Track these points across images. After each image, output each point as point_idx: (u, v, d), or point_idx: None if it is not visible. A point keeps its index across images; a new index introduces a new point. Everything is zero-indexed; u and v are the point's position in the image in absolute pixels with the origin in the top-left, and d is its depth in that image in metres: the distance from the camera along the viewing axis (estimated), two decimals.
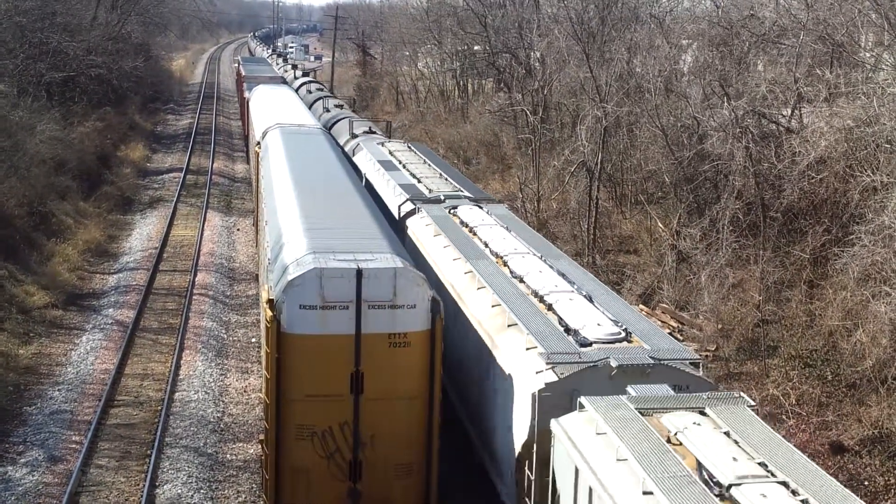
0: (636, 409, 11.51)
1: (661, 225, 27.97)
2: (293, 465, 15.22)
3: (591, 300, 15.74)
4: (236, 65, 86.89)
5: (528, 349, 14.26)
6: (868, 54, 25.27)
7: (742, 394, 12.29)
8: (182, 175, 48.50)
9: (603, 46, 33.77)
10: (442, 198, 23.08)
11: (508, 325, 15.30)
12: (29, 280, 28.72)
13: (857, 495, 9.77)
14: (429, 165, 27.93)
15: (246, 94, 52.84)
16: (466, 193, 23.85)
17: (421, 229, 21.09)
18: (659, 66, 29.25)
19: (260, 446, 16.77)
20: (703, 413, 11.52)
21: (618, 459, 10.67)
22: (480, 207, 22.20)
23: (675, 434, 11.02)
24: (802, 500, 9.60)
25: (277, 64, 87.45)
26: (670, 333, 22.69)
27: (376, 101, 74.46)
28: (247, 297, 29.91)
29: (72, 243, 33.56)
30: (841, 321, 19.66)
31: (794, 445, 17.32)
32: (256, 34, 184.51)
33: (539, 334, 14.30)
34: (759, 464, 10.28)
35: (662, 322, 23.59)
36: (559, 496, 12.26)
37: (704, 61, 28.99)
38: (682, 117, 27.76)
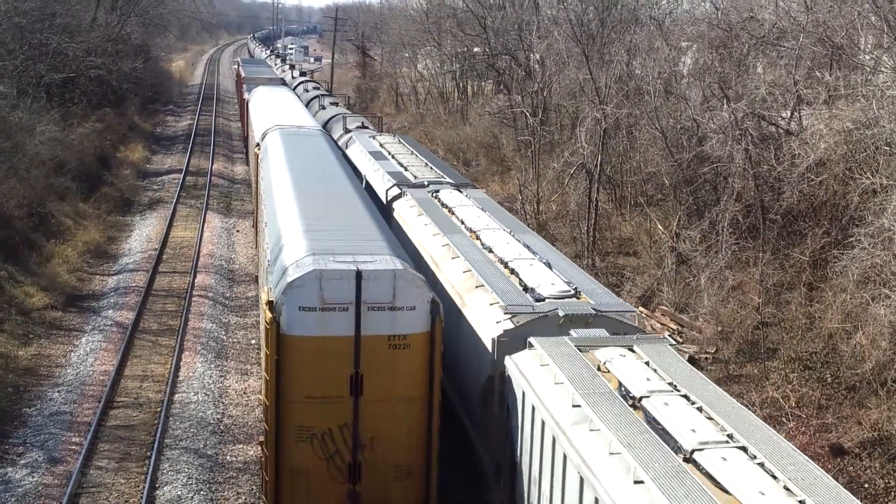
0: (575, 346, 14.16)
1: (660, 227, 27.98)
2: (293, 466, 15.22)
3: (549, 266, 17.78)
4: (236, 66, 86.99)
5: (491, 304, 16.40)
6: (867, 57, 25.28)
7: (666, 336, 15.27)
8: (181, 176, 48.50)
9: (602, 48, 33.79)
10: (426, 183, 25.32)
11: (476, 287, 17.28)
12: (28, 281, 28.73)
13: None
14: (415, 155, 30.32)
15: (245, 96, 52.86)
16: (448, 179, 26.15)
17: (406, 210, 23.01)
18: (658, 68, 29.25)
19: (260, 448, 16.78)
20: (631, 350, 14.09)
21: (555, 383, 13.22)
22: (460, 191, 24.44)
23: (605, 363, 13.60)
24: (698, 407, 12.16)
25: (277, 65, 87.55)
26: (670, 335, 22.76)
27: (376, 103, 74.51)
28: (246, 298, 29.91)
29: (71, 244, 33.56)
30: (840, 324, 19.64)
31: (796, 447, 17.37)
32: (256, 35, 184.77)
33: (500, 292, 16.42)
34: (668, 383, 12.85)
35: (662, 324, 23.58)
36: (510, 417, 14.78)
37: (704, 63, 29.02)
38: (681, 119, 27.75)
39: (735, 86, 26.35)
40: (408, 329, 15.05)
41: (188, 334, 26.04)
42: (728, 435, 11.37)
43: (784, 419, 18.82)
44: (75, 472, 18.20)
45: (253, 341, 26.03)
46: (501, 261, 18.08)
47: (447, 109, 59.67)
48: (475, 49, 56.30)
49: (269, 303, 14.98)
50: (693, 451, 10.95)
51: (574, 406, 12.45)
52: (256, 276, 30.16)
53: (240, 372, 24.04)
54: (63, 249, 32.67)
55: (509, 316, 15.61)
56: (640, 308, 24.93)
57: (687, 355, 21.93)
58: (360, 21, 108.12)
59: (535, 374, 13.85)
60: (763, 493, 10.13)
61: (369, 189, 25.99)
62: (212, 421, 21.02)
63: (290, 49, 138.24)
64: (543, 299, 16.04)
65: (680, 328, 23.39)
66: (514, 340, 15.17)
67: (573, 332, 14.92)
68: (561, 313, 15.38)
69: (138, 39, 72.87)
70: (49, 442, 19.64)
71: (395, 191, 24.63)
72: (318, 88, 57.86)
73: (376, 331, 14.95)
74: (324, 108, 44.99)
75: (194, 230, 37.82)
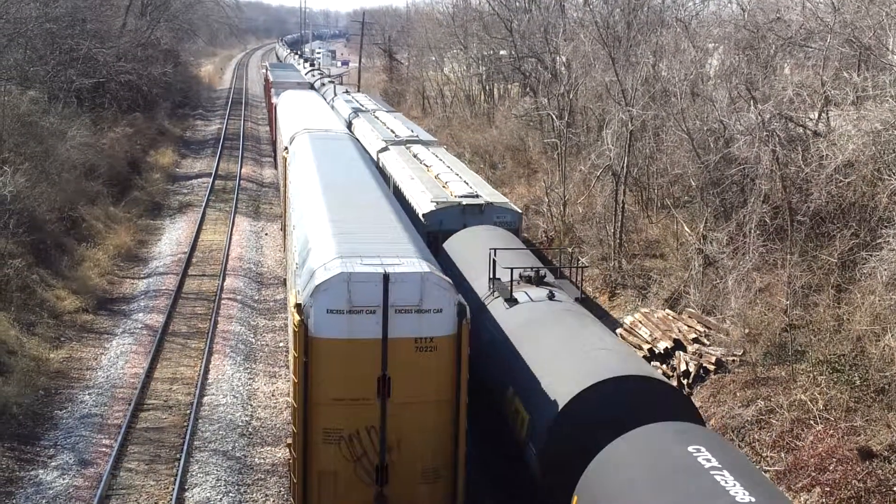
0: (405, 147, 34.86)
1: (687, 229, 27.88)
2: (320, 468, 15.33)
3: (408, 127, 39.77)
4: (264, 70, 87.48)
5: (373, 132, 38.92)
6: None
7: (443, 145, 40.45)
8: (211, 180, 48.87)
9: (629, 50, 33.71)
10: (371, 109, 49.24)
11: (372, 130, 39.42)
12: (60, 284, 29.05)
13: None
14: (369, 99, 57.18)
15: (274, 100, 53.25)
16: (382, 108, 51.53)
17: (359, 123, 42.75)
18: (685, 69, 29.13)
19: (288, 450, 16.91)
20: (426, 147, 34.61)
21: (394, 159, 32.58)
22: (386, 112, 48.75)
23: (411, 148, 34.08)
24: (440, 160, 32.07)
25: (304, 69, 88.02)
26: (695, 339, 22.69)
27: (402, 106, 74.63)
28: (275, 301, 30.10)
29: (102, 248, 33.91)
30: (869, 326, 19.49)
31: (822, 452, 17.27)
32: (284, 39, 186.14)
33: (381, 131, 38.85)
34: (432, 152, 33.66)
35: (689, 326, 23.52)
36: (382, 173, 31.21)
37: (731, 65, 28.87)
38: (708, 121, 27.60)
39: (762, 87, 26.19)
40: (434, 332, 15.13)
41: (217, 337, 26.25)
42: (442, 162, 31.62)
43: (812, 422, 18.73)
44: (105, 474, 18.41)
45: (281, 344, 26.19)
46: (382, 120, 42.07)
47: (473, 112, 59.70)
48: (501, 52, 56.31)
49: (298, 305, 15.09)
50: (423, 160, 31.87)
51: (397, 164, 31.22)
52: (284, 279, 30.33)
53: (268, 374, 24.21)
54: (94, 253, 33.01)
55: (384, 142, 35.71)
56: (667, 310, 24.86)
57: (714, 357, 21.88)
58: (386, 25, 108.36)
59: (388, 157, 33.02)
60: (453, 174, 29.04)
61: (340, 116, 45.31)
62: (240, 423, 21.19)
63: (318, 53, 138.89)
64: (399, 136, 37.37)
65: (707, 330, 23.32)
66: (384, 149, 34.56)
67: (408, 145, 34.36)
68: (403, 137, 36.47)
69: (168, 44, 73.41)
70: (80, 444, 19.88)
71: (354, 115, 45.73)
72: (321, 73, 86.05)
73: (403, 333, 15.04)
74: (323, 84, 68.59)
75: (223, 234, 38.10)
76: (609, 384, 14.44)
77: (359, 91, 74.91)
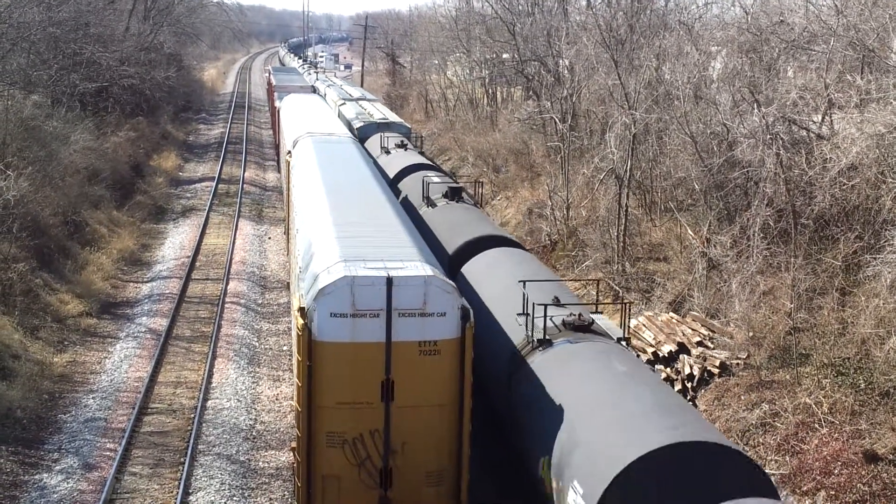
0: (356, 101, 52.92)
1: (691, 232, 27.84)
2: (324, 472, 15.33)
3: (362, 92, 63.03)
4: (267, 74, 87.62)
5: (335, 100, 53.99)
6: None
7: (379, 101, 61.52)
8: (214, 184, 48.89)
9: (632, 54, 33.72)
10: (338, 84, 72.77)
11: (326, 88, 63.96)
12: (63, 289, 29.07)
13: None
14: (339, 79, 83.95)
15: (277, 104, 53.30)
16: (347, 83, 76.53)
17: (329, 91, 59.42)
18: (688, 73, 29.13)
19: (292, 454, 16.90)
20: (368, 102, 54.42)
21: (349, 108, 49.46)
22: (349, 86, 71.86)
23: (359, 102, 53.62)
24: (373, 105, 53.07)
25: (308, 73, 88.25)
26: (699, 342, 22.67)
27: (405, 110, 74.65)
28: (278, 305, 30.10)
29: (105, 252, 33.93)
30: (874, 329, 19.47)
31: (827, 455, 17.24)
32: (288, 43, 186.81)
33: (339, 94, 59.29)
34: (370, 104, 54.10)
35: (693, 330, 23.49)
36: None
37: (734, 68, 28.86)
38: (711, 124, 27.60)
39: (765, 90, 26.18)
40: (438, 335, 15.13)
41: (221, 341, 26.25)
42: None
43: (817, 425, 18.70)
44: (109, 478, 18.42)
45: (285, 348, 26.19)
46: (344, 88, 65.22)
47: (476, 116, 59.69)
48: (504, 55, 56.33)
49: (301, 309, 15.09)
50: (360, 100, 54.57)
51: (349, 110, 46.98)
52: (288, 283, 30.34)
53: (272, 378, 24.21)
54: (97, 257, 33.03)
55: (342, 99, 54.02)
56: (671, 314, 24.84)
57: (718, 360, 21.86)
58: (389, 29, 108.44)
59: (342, 107, 48.56)
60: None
61: (317, 90, 62.89)
62: (244, 427, 21.19)
63: (321, 57, 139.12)
64: (352, 95, 57.59)
65: (711, 334, 23.29)
66: (342, 104, 50.73)
67: (357, 101, 53.06)
68: (355, 97, 57.28)
69: (171, 48, 73.47)
70: (84, 448, 19.88)
71: (326, 87, 61.50)
72: (309, 63, 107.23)
73: (407, 337, 15.03)
74: (309, 73, 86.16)
75: (227, 237, 38.11)
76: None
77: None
